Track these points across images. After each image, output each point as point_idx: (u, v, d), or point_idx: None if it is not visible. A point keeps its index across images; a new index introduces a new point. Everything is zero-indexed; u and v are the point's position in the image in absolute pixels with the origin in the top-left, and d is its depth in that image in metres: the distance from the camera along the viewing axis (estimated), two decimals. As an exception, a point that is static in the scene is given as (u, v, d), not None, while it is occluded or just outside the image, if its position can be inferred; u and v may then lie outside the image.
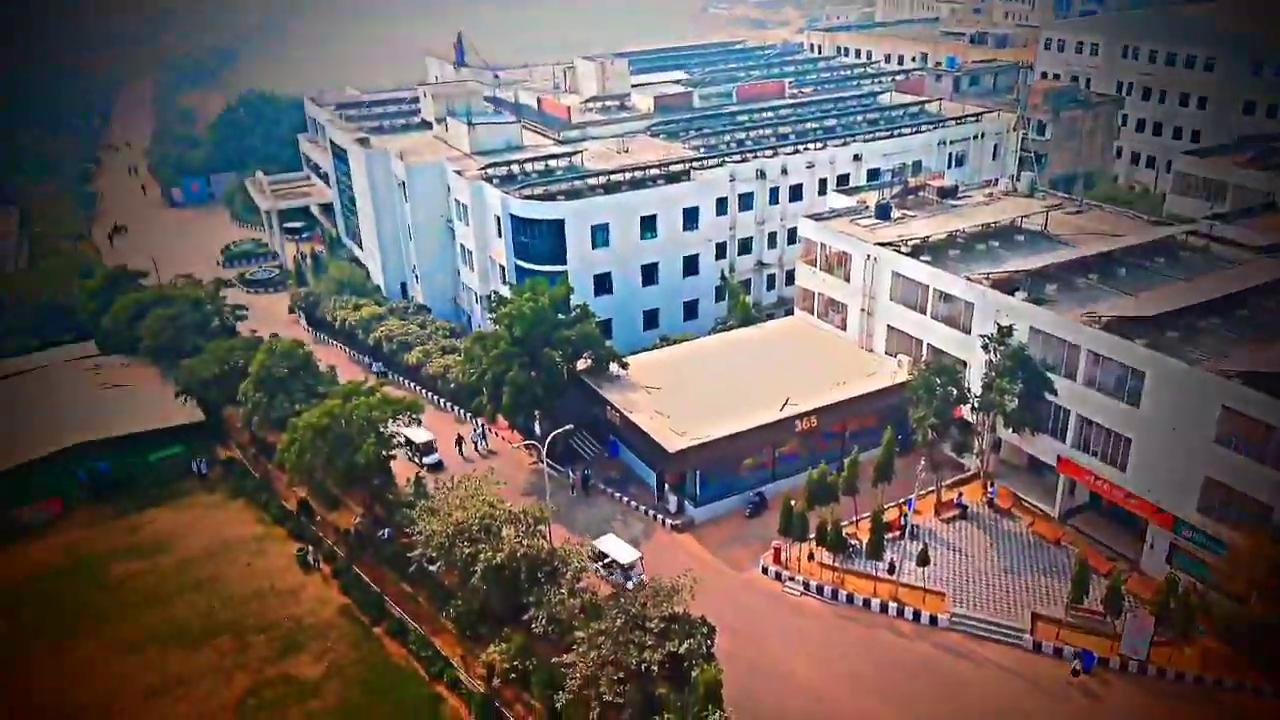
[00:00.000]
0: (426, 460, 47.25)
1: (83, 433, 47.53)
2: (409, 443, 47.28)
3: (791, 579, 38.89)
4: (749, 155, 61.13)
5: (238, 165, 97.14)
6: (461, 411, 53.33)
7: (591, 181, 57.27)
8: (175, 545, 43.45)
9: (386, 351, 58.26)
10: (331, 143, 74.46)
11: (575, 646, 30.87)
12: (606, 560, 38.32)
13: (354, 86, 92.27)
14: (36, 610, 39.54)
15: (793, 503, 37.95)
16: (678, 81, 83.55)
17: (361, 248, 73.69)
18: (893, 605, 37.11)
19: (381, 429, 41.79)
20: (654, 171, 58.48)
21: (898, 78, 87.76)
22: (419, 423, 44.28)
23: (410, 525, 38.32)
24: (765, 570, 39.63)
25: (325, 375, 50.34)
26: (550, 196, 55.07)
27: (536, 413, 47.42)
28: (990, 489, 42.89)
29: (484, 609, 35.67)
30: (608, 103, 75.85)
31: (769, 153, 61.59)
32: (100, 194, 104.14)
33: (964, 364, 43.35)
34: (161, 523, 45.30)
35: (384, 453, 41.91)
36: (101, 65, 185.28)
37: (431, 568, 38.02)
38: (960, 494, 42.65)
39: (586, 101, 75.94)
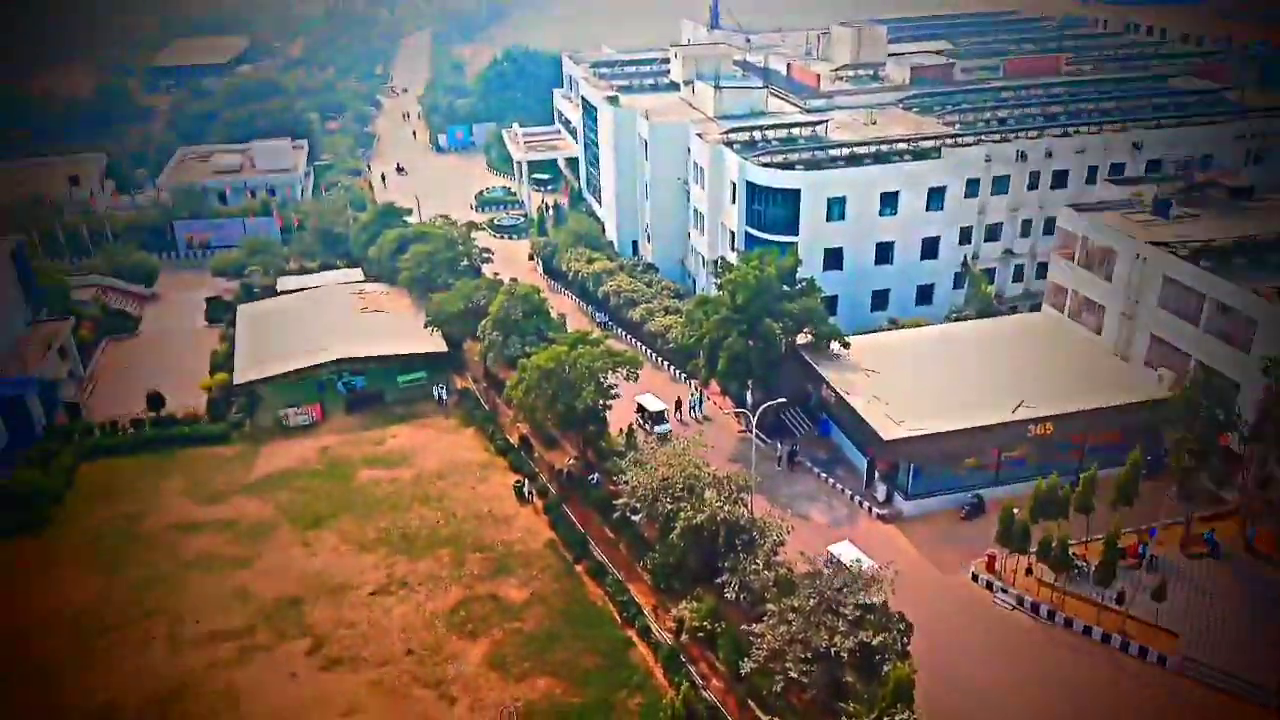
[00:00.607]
0: (657, 429, 47.57)
1: (346, 349, 52.74)
2: (641, 409, 48.13)
3: (1004, 590, 36.67)
4: (1010, 135, 57.05)
5: (498, 116, 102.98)
6: (677, 371, 54.23)
7: (833, 152, 55.73)
8: (413, 461, 47.54)
9: (613, 305, 60.14)
10: (583, 99, 77.15)
11: (766, 618, 30.84)
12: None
13: (610, 45, 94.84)
14: (291, 499, 44.71)
15: (1015, 511, 35.57)
16: (938, 52, 79.25)
17: (600, 203, 76.18)
18: (1117, 637, 34.08)
19: (601, 379, 43.34)
20: (901, 146, 56.00)
21: (1194, 60, 78.40)
22: (635, 378, 45.43)
23: (619, 474, 39.72)
24: (975, 577, 37.60)
25: (555, 322, 52.76)
26: (789, 165, 54.18)
27: (749, 382, 47.31)
28: (1250, 529, 38.12)
29: (679, 565, 36.39)
30: (859, 71, 73.28)
31: (1033, 134, 57.17)
32: (377, 136, 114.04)
33: (1237, 386, 38.58)
34: (403, 439, 49.63)
35: (601, 401, 43.52)
36: (387, 14, 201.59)
37: (634, 517, 39.23)
38: (1213, 530, 38.22)
39: (838, 69, 73.75)
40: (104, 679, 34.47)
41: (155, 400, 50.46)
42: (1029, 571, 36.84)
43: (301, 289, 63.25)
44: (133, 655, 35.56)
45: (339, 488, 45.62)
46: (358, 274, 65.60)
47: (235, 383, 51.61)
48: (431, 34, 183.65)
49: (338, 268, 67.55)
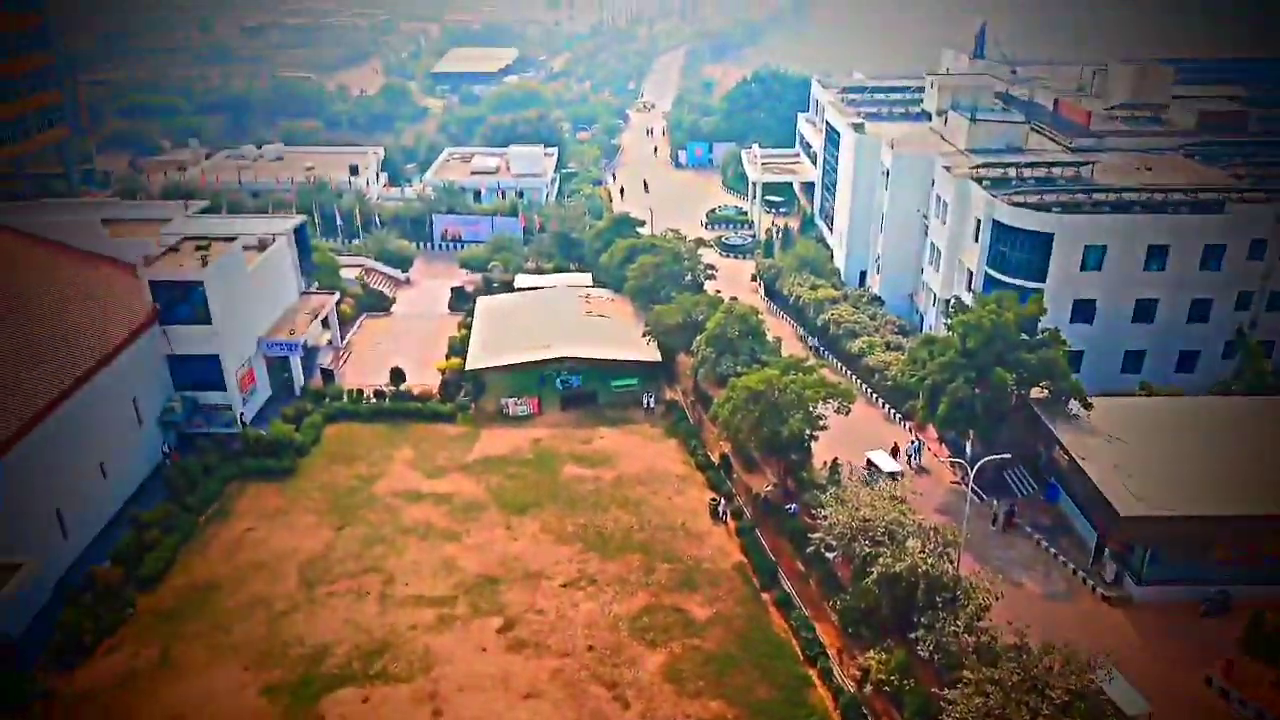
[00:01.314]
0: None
1: (568, 348, 54.93)
2: (871, 465, 45.56)
3: (1242, 703, 32.18)
4: (1312, 194, 50.31)
5: (739, 136, 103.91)
6: (891, 410, 52.07)
7: (1097, 196, 51.47)
8: (616, 463, 48.71)
9: (831, 335, 58.75)
10: (827, 124, 76.12)
11: (961, 685, 28.81)
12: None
13: (863, 70, 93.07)
14: (502, 484, 47.05)
15: (1267, 615, 31.12)
16: (1231, 98, 71.35)
17: (830, 230, 74.77)
18: (1386, 786, 29.02)
19: (811, 408, 42.38)
20: (1178, 196, 50.80)
21: None
22: (847, 411, 43.98)
23: (818, 508, 38.62)
24: (1210, 682, 33.26)
25: (770, 345, 52.24)
26: (1044, 206, 50.62)
27: (970, 432, 44.54)
28: None
29: (871, 612, 34.82)
30: (1138, 112, 67.32)
31: (1343, 194, 50.11)
32: (621, 148, 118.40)
33: None
34: (609, 441, 50.99)
35: (808, 431, 42.55)
36: (646, 32, 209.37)
37: (829, 554, 38.01)
38: None
39: (1112, 108, 68.19)
40: (321, 623, 37.74)
41: (397, 375, 54.96)
42: (1276, 684, 32.09)
43: (535, 287, 66.62)
44: (347, 606, 38.72)
45: (545, 479, 47.50)
46: (587, 278, 68.22)
47: (466, 368, 55.13)
48: (686, 52, 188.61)
49: (570, 270, 70.58)
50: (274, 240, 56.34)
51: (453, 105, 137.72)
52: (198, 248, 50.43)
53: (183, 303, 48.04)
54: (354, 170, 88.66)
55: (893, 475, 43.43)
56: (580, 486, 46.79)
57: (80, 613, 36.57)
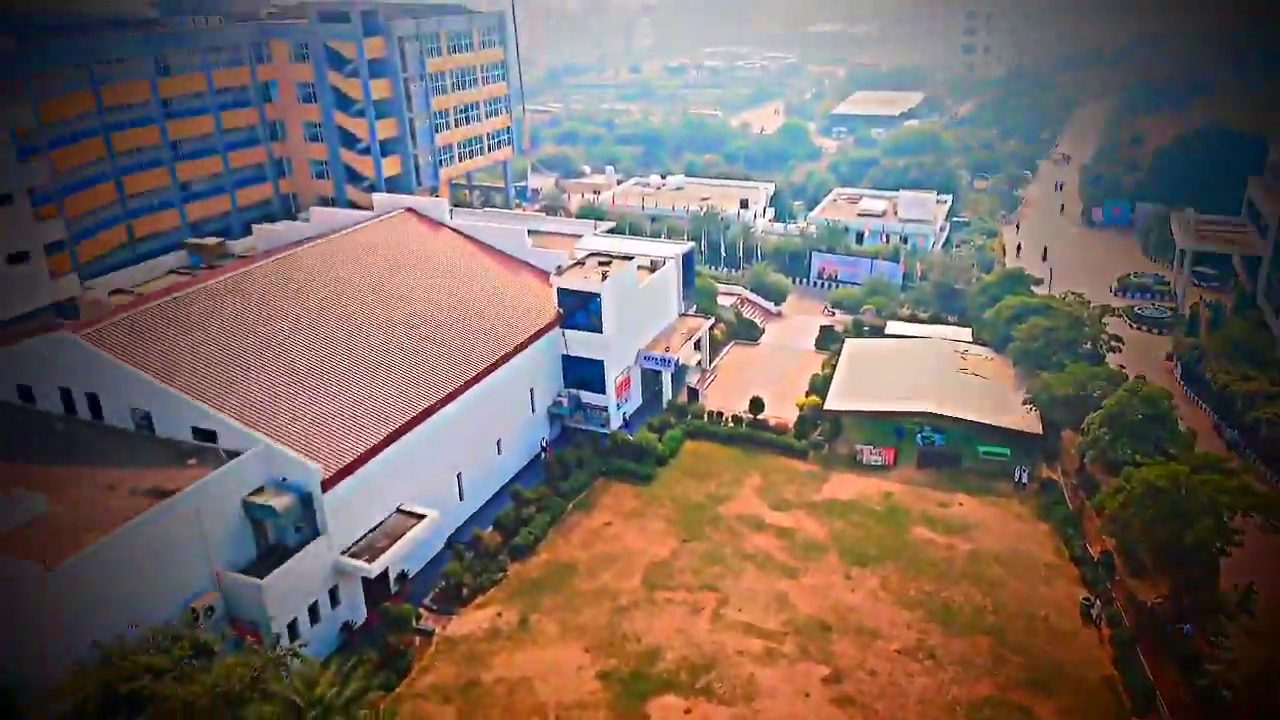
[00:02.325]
0: None
1: (936, 404, 52.27)
2: None
3: None
4: None
5: (1169, 198, 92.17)
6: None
7: None
8: (973, 535, 45.26)
9: (1265, 436, 49.59)
10: (1290, 190, 64.73)
11: None
12: None
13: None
14: (845, 530, 45.76)
15: None
16: None
17: (1278, 315, 63.35)
18: None
19: (1226, 518, 36.06)
20: None
21: None
22: (1277, 530, 36.75)
23: (1219, 636, 32.65)
24: None
25: (1183, 436, 45.48)
26: None
27: None
28: None
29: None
30: None
31: None
32: (1023, 201, 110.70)
33: None
34: (968, 509, 47.55)
35: (1218, 545, 36.20)
36: (1071, 79, 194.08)
37: (1226, 693, 31.93)
38: None
39: None
40: (657, 625, 39.41)
41: (757, 404, 56.04)
42: None
43: (907, 336, 64.35)
44: (682, 616, 40.03)
45: (891, 535, 45.47)
46: (965, 333, 64.48)
47: (825, 407, 54.65)
48: (1116, 101, 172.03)
49: (947, 323, 67.23)
50: (664, 263, 60.33)
51: (847, 146, 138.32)
52: (600, 263, 55.47)
53: (581, 310, 53.15)
54: (744, 204, 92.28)
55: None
56: (930, 551, 44.13)
57: (463, 567, 41.81)
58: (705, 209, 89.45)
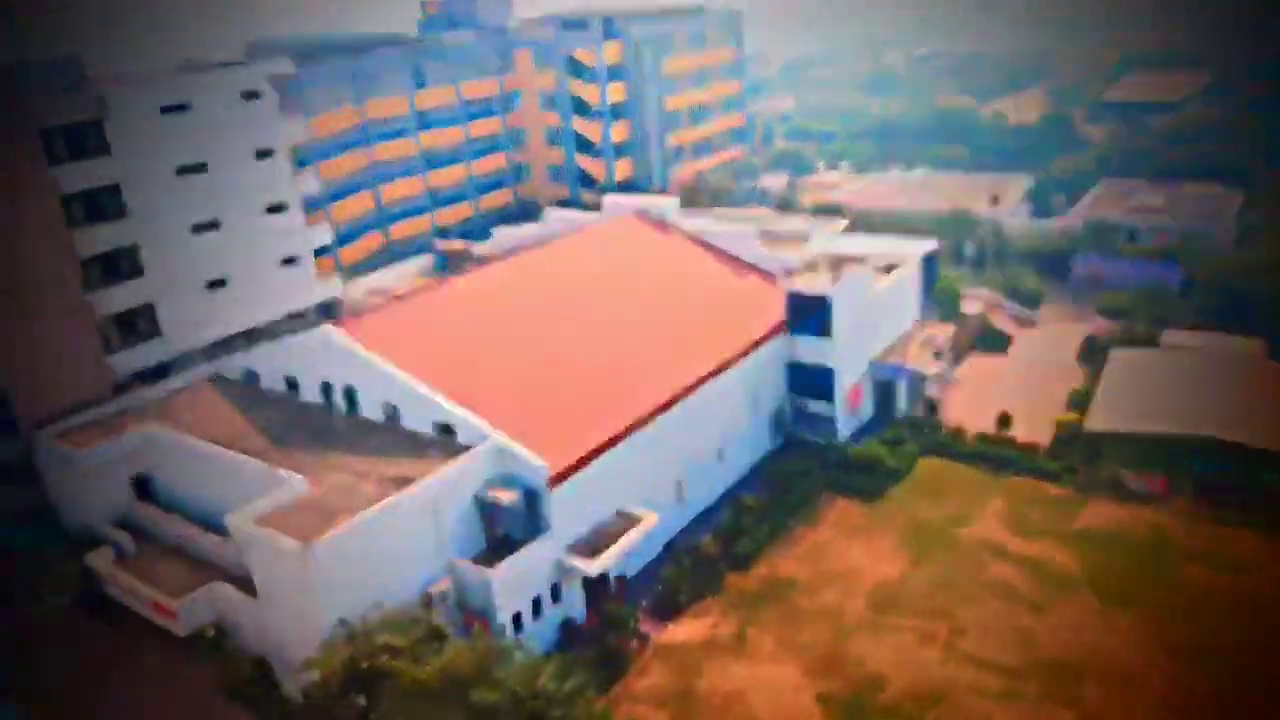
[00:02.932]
0: None
1: (1220, 428, 45.58)
2: None
3: None
4: None
5: None
6: None
7: None
8: (1257, 576, 39.00)
9: None
10: None
11: None
12: None
13: None
14: (1102, 563, 40.85)
15: None
16: None
17: None
18: None
19: None
20: None
21: None
22: None
23: None
24: None
25: None
26: None
27: None
28: None
29: None
30: None
31: None
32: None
33: None
34: (1253, 547, 40.99)
35: None
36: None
37: None
38: None
39: None
40: (882, 651, 37.02)
41: (1004, 420, 51.56)
42: None
43: (1187, 348, 56.76)
44: (910, 643, 37.35)
45: (1157, 572, 40.11)
46: (1259, 346, 55.94)
47: (1085, 427, 49.23)
48: None
49: (1235, 334, 58.63)
50: (903, 265, 57.00)
51: (1118, 134, 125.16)
52: (832, 265, 53.25)
53: (810, 315, 51.17)
54: (994, 200, 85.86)
55: None
56: (1203, 593, 38.46)
57: (679, 574, 41.41)
58: (952, 206, 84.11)
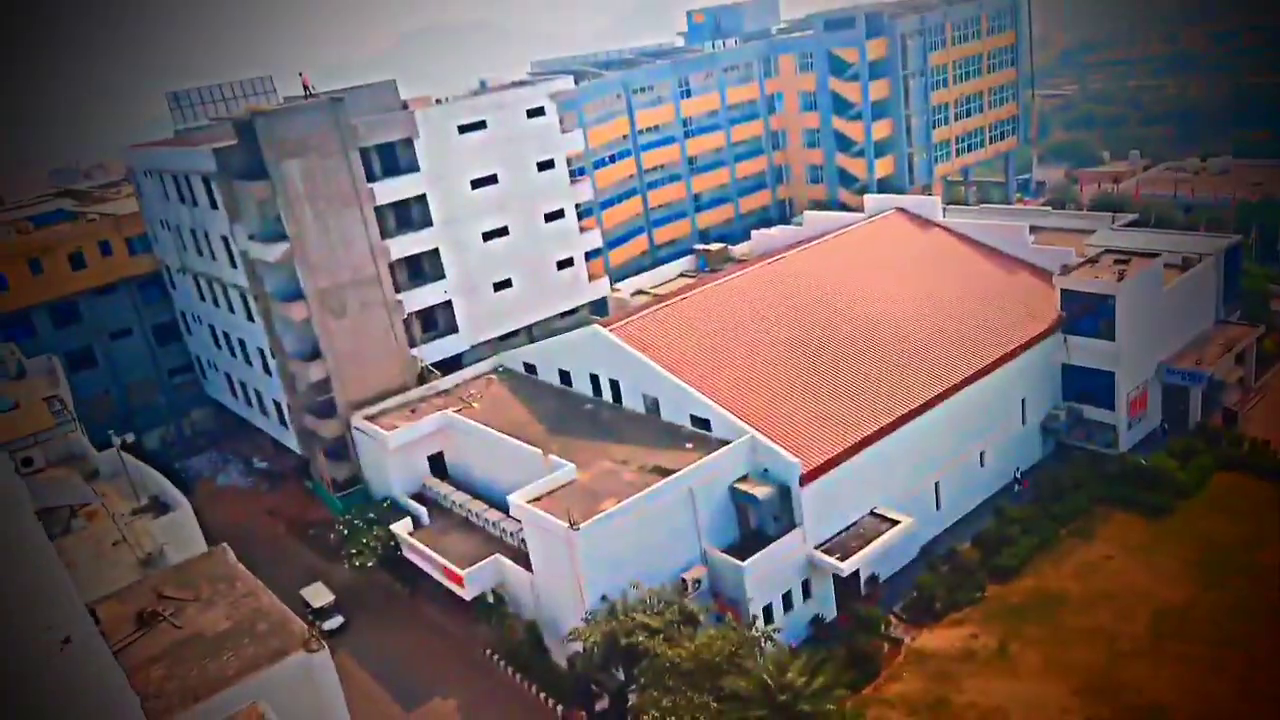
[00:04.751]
0: None
1: None
2: None
3: None
4: None
5: None
6: None
7: None
8: None
9: None
10: None
11: None
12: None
13: None
14: None
15: None
16: None
17: None
18: None
19: None
20: None
21: None
22: None
23: None
24: None
25: None
26: None
27: None
28: None
29: None
30: None
31: None
32: None
33: None
34: None
35: None
36: None
37: None
38: None
39: None
40: (1164, 681, 34.06)
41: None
42: None
43: None
44: (1200, 675, 34.07)
45: None
46: None
47: None
48: None
49: None
50: (1199, 261, 51.50)
51: None
52: (1116, 261, 49.23)
53: (1090, 314, 47.68)
54: (1317, 186, 74.87)
55: None
56: None
57: (936, 580, 40.31)
58: (1257, 195, 74.42)
